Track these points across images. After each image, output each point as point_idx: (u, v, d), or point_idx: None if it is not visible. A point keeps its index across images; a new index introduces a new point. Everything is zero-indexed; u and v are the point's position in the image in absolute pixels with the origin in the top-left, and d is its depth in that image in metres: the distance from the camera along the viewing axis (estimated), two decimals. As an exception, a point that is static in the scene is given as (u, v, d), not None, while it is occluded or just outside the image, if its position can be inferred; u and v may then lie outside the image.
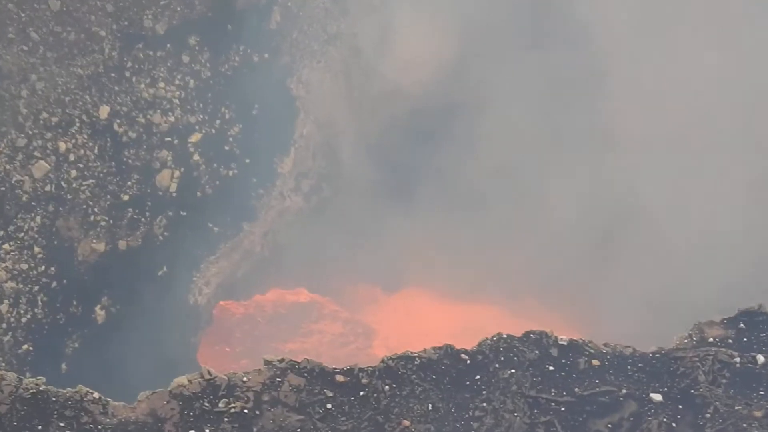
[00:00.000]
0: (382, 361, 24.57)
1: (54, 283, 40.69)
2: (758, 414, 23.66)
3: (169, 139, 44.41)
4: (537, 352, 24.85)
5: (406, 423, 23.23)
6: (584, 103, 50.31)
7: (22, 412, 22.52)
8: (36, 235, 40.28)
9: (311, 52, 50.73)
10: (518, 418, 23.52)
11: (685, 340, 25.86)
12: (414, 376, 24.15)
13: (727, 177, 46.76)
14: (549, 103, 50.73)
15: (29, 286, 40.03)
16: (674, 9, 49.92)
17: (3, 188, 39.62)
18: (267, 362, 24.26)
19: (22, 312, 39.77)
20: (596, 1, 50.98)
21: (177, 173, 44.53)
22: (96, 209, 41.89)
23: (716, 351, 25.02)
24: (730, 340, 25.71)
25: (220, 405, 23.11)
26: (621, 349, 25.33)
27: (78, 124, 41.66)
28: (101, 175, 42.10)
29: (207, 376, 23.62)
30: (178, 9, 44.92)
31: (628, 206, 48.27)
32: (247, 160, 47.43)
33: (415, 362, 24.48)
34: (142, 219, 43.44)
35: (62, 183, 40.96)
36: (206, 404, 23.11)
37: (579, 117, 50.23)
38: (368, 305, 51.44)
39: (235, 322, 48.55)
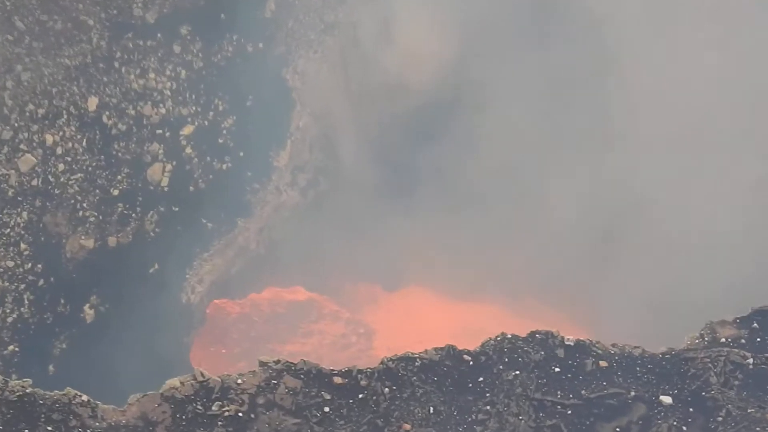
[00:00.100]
0: (382, 362, 24.50)
1: (41, 281, 40.65)
2: (772, 417, 23.64)
3: (160, 131, 44.36)
4: (542, 352, 24.79)
5: (407, 427, 23.17)
6: (585, 102, 50.63)
7: (8, 416, 22.44)
8: (22, 231, 40.22)
9: (307, 42, 50.66)
10: (523, 421, 23.45)
11: (696, 341, 25.79)
12: (415, 377, 24.08)
13: (729, 177, 46.98)
14: (550, 102, 51.04)
15: (15, 284, 39.99)
16: (675, 8, 50.14)
17: (-12, 183, 39.69)
18: (262, 363, 24.20)
19: (7, 311, 39.74)
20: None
21: (169, 167, 44.48)
22: (85, 204, 41.83)
23: (728, 351, 24.95)
24: (743, 341, 25.64)
25: (213, 408, 23.04)
26: (630, 350, 25.26)
27: (65, 116, 41.59)
28: (90, 168, 42.03)
29: (200, 378, 23.55)
30: (169, -3, 45.05)
31: (629, 205, 48.54)
32: (242, 154, 47.40)
33: (416, 363, 24.41)
34: (133, 214, 43.38)
35: (49, 177, 40.90)
36: (199, 407, 23.04)
37: (580, 116, 50.55)
38: (368, 304, 51.45)
39: (231, 322, 48.49)
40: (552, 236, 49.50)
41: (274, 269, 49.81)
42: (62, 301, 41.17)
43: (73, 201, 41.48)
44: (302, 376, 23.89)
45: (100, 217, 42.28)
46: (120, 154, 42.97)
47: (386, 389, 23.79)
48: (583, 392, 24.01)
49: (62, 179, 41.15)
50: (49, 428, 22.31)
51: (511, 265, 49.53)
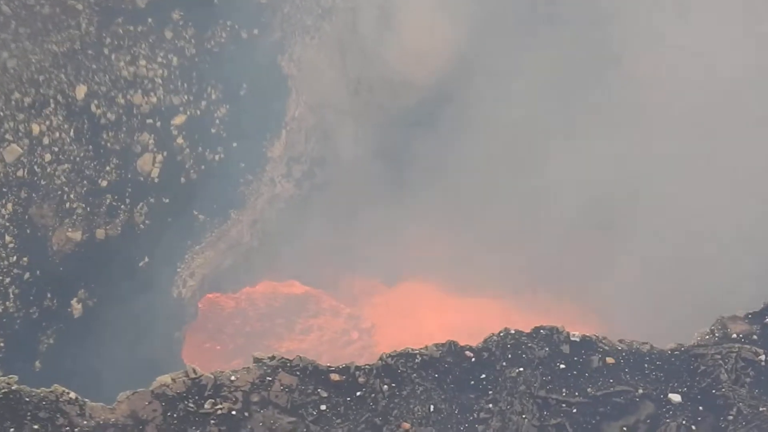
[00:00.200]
0: (380, 358, 24.47)
1: (27, 275, 40.54)
2: (785, 416, 23.61)
3: (150, 121, 44.24)
4: (547, 349, 24.76)
5: (406, 426, 23.13)
6: (592, 91, 50.64)
7: (-7, 414, 22.41)
8: (7, 223, 40.12)
9: (304, 28, 50.53)
10: (527, 420, 23.42)
11: (707, 336, 25.75)
12: (414, 374, 24.04)
13: (743, 166, 46.98)
14: (555, 92, 51.06)
15: (0, 277, 39.92)
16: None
17: (-28, 173, 39.60)
18: (257, 360, 24.16)
19: (-8, 306, 39.74)
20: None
21: (159, 157, 44.37)
22: (72, 196, 41.73)
23: (740, 348, 24.93)
24: (755, 336, 25.62)
25: (205, 406, 22.99)
26: (638, 346, 25.22)
27: (53, 105, 41.47)
28: (78, 159, 41.92)
29: (192, 375, 23.51)
30: (161, -19, 44.96)
31: (636, 197, 48.57)
32: (235, 144, 47.28)
33: (416, 360, 24.38)
34: (122, 206, 43.28)
35: (36, 168, 40.79)
36: (191, 405, 22.99)
37: (585, 106, 50.53)
38: (366, 299, 51.39)
39: (226, 317, 48.43)
40: (556, 228, 49.51)
41: (268, 263, 49.75)
42: (49, 295, 41.06)
43: (60, 192, 41.36)
44: (298, 373, 23.85)
45: (88, 209, 42.18)
46: (109, 144, 42.85)
47: (385, 387, 23.75)
48: (589, 390, 23.97)
49: (49, 170, 41.04)
50: (36, 427, 22.25)
51: (513, 258, 49.52)
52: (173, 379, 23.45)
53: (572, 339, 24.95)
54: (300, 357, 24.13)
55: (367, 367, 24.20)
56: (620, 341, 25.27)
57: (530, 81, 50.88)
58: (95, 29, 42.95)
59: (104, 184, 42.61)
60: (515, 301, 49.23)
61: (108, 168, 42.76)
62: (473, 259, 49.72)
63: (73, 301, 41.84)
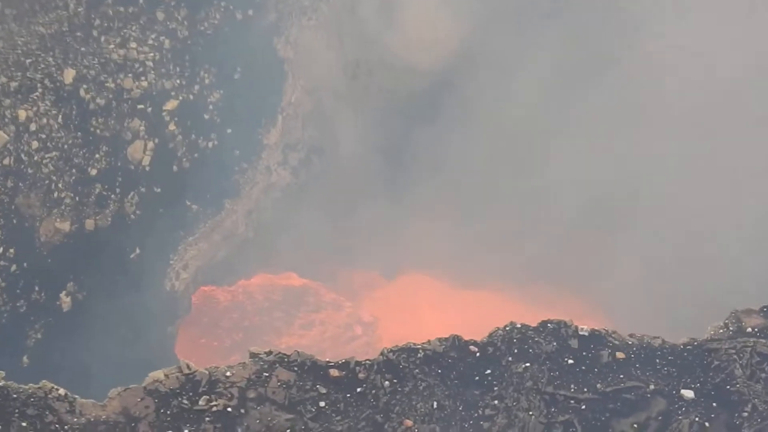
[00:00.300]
0: (382, 353, 24.48)
1: (13, 267, 40.57)
2: (802, 413, 23.65)
3: (141, 106, 44.25)
4: (554, 343, 24.78)
5: (409, 423, 23.17)
6: (597, 85, 50.89)
7: (-21, 411, 22.46)
8: (-7, 214, 40.26)
9: (301, 9, 50.56)
10: (533, 417, 23.46)
11: (720, 330, 25.76)
12: (417, 370, 24.07)
13: (755, 160, 47.36)
14: (555, 93, 51.32)
15: (-14, 270, 40.07)
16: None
17: (-44, 161, 39.65)
18: (253, 355, 24.19)
19: (-22, 299, 39.82)
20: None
21: (151, 145, 44.38)
22: (60, 185, 41.75)
23: (755, 342, 24.94)
24: (771, 331, 25.69)
25: (200, 403, 23.03)
26: (649, 341, 25.24)
27: (40, 90, 41.48)
28: (66, 146, 41.93)
29: (186, 371, 23.54)
30: (152, -40, 44.96)
31: (646, 190, 48.87)
32: (229, 130, 47.31)
33: (419, 355, 24.41)
34: (112, 195, 43.30)
35: (22, 156, 40.80)
36: (185, 402, 23.02)
37: (589, 99, 50.78)
38: (366, 292, 51.43)
39: (222, 311, 48.44)
40: (556, 224, 49.74)
41: (263, 254, 49.79)
42: (37, 288, 41.10)
43: (47, 181, 41.38)
44: (296, 369, 23.88)
45: (77, 199, 42.20)
46: (98, 131, 42.87)
47: (386, 382, 23.78)
48: (598, 386, 24.01)
49: (36, 158, 41.05)
50: (24, 424, 22.28)
51: (518, 249, 49.67)
52: (166, 375, 23.48)
53: (581, 333, 24.97)
54: (298, 352, 24.17)
55: (367, 362, 24.22)
56: (630, 335, 25.29)
57: (532, 76, 51.27)
58: (84, 10, 42.99)
59: (93, 172, 42.62)
60: (522, 293, 49.34)
61: (97, 156, 42.77)
62: (475, 252, 49.81)
63: (62, 295, 41.88)
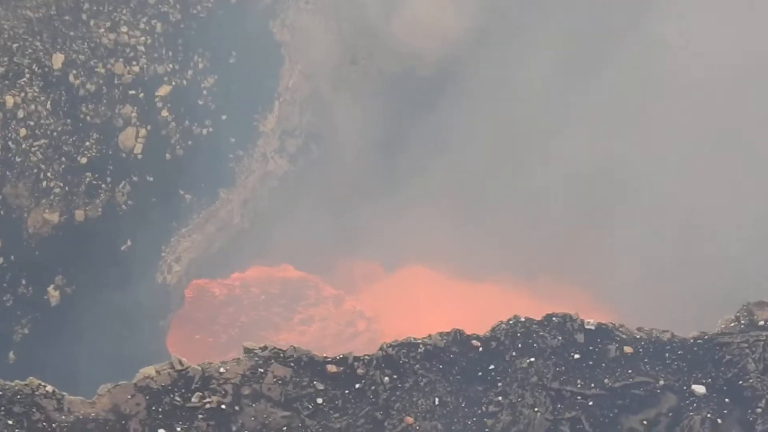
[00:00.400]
0: (381, 348, 24.51)
1: (0, 260, 40.64)
2: (817, 409, 23.67)
3: (133, 92, 44.25)
4: (560, 337, 24.79)
5: (409, 420, 23.19)
6: (601, 75, 51.07)
7: (-36, 409, 22.50)
8: (-21, 204, 40.32)
9: (297, -10, 50.64)
10: (539, 413, 23.48)
11: (732, 324, 25.76)
12: (418, 365, 24.09)
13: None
14: (556, 89, 51.45)
15: (-28, 262, 40.15)
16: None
17: (-60, 149, 39.70)
18: (247, 350, 24.20)
19: (-37, 293, 39.90)
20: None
21: (143, 132, 44.39)
22: (49, 174, 41.76)
23: (768, 336, 25.02)
24: (785, 324, 25.70)
25: (193, 399, 23.06)
26: (658, 334, 25.24)
27: (28, 75, 41.48)
28: (55, 134, 41.94)
29: (178, 367, 23.56)
30: (143, -60, 44.92)
31: (653, 181, 49.12)
32: (224, 117, 47.30)
33: (419, 350, 24.43)
34: (103, 185, 43.32)
35: (10, 143, 40.82)
36: (177, 399, 23.05)
37: (593, 89, 50.93)
38: (366, 285, 51.39)
39: (218, 306, 48.37)
40: (563, 212, 49.85)
41: (259, 246, 49.74)
42: (24, 282, 41.15)
43: (36, 170, 41.40)
44: (292, 364, 23.90)
45: (66, 188, 42.22)
46: (88, 118, 42.88)
47: (386, 378, 23.80)
48: (606, 381, 24.03)
49: (24, 146, 41.07)
50: (10, 422, 22.31)
51: (521, 241, 49.69)
52: (158, 371, 23.50)
53: (587, 327, 24.97)
54: (294, 347, 24.19)
55: (366, 357, 24.24)
56: (639, 329, 25.29)
57: (536, 68, 51.19)
58: (72, -7, 43.02)
59: (83, 161, 42.63)
60: (526, 285, 49.37)
61: (87, 143, 42.78)
62: (477, 243, 49.80)
63: (50, 288, 41.92)
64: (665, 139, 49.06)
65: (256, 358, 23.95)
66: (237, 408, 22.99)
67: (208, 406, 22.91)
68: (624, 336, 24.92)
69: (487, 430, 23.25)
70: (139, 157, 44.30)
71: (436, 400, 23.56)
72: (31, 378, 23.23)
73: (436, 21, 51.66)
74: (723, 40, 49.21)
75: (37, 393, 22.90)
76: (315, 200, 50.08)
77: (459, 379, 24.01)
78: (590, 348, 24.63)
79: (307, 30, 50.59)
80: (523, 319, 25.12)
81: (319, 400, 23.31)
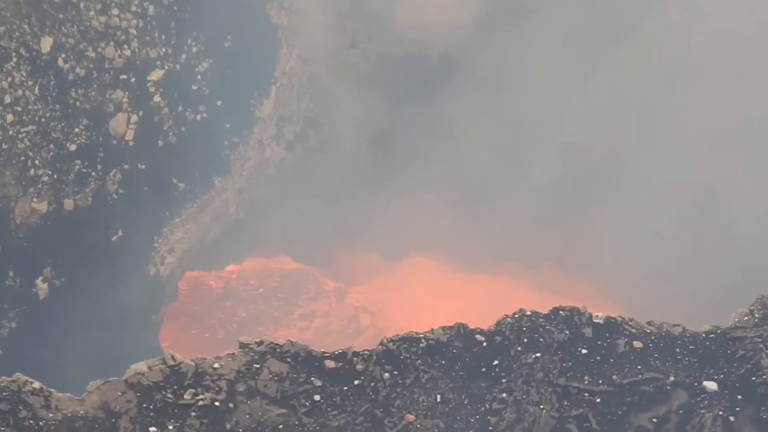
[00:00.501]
0: (381, 343, 24.44)
1: (-13, 251, 40.74)
2: (833, 406, 23.61)
3: (124, 76, 44.23)
4: (567, 332, 24.72)
5: (410, 418, 23.14)
6: (606, 63, 51.25)
7: (-52, 406, 22.46)
8: (-35, 193, 40.32)
9: (295, -29, 50.58)
10: (545, 411, 23.42)
11: (746, 317, 25.66)
12: (419, 361, 24.03)
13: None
14: (560, 73, 51.63)
15: (-43, 253, 40.15)
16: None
17: (-75, 136, 39.67)
18: (243, 345, 24.13)
19: (-51, 285, 39.91)
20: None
21: (134, 118, 44.37)
22: (37, 161, 41.74)
23: (783, 330, 24.97)
24: (800, 317, 25.63)
25: (186, 396, 22.99)
26: (668, 329, 25.15)
27: (15, 59, 41.43)
28: (43, 120, 41.91)
29: (170, 362, 23.49)
30: None
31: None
32: (219, 102, 47.29)
33: (421, 345, 24.35)
34: (93, 173, 43.31)
35: (-4, 130, 40.88)
36: (169, 396, 22.98)
37: (597, 76, 51.15)
38: (367, 277, 51.42)
39: (214, 299, 48.36)
40: (568, 198, 50.05)
41: (255, 236, 49.76)
42: (11, 274, 41.16)
43: (23, 157, 41.37)
44: (289, 360, 23.83)
45: (55, 176, 42.21)
46: (78, 103, 42.84)
47: (386, 374, 23.74)
48: (614, 377, 23.96)
49: (11, 132, 41.04)
50: (-4, 420, 22.31)
51: (525, 230, 49.77)
52: (149, 367, 23.42)
53: (595, 321, 24.89)
54: (291, 342, 24.10)
55: (365, 352, 24.15)
56: (649, 323, 25.19)
57: (541, 58, 51.32)
58: (62, -26, 42.98)
59: (73, 148, 42.60)
60: (532, 277, 49.54)
61: (77, 130, 42.76)
62: (482, 231, 49.87)
63: (38, 281, 41.94)
64: (671, 127, 49.17)
65: (252, 354, 23.88)
66: (231, 405, 22.93)
67: (201, 403, 22.85)
68: (633, 330, 24.84)
69: (490, 428, 23.18)
70: (131, 144, 44.28)
71: (438, 397, 23.51)
72: (17, 374, 23.16)
73: (438, 2, 51.65)
74: (730, 18, 49.37)
75: (23, 389, 22.84)
76: (313, 189, 50.09)
77: (462, 375, 23.95)
78: (598, 343, 24.56)
79: (305, 13, 50.54)
80: (529, 313, 25.02)
81: (317, 397, 23.24)
